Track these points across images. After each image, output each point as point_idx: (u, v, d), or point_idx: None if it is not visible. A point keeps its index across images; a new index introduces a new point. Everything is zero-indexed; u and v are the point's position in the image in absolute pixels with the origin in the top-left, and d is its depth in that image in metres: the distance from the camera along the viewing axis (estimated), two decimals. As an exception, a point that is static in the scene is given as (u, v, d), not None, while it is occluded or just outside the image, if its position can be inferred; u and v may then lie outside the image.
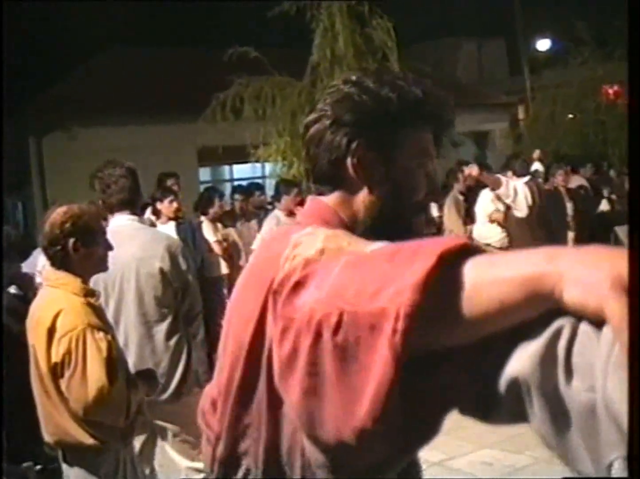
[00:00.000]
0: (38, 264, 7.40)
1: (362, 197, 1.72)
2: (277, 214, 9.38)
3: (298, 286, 1.28)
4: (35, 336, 3.60)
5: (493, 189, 9.52)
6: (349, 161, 1.69)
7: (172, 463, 4.90)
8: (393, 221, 1.72)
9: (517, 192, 9.26)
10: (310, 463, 1.47)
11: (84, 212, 3.69)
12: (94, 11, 19.63)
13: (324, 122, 1.72)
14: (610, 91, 17.08)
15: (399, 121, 1.70)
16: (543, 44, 26.94)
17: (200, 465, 4.74)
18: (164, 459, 4.84)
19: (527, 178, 9.70)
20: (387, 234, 1.44)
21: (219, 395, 1.68)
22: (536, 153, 14.16)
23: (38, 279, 7.42)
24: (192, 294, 4.81)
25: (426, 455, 4.69)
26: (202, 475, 4.75)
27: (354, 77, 1.75)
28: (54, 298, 3.61)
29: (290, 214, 9.35)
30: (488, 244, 9.58)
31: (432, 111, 1.74)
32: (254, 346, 1.54)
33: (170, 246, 4.68)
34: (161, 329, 4.59)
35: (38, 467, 3.25)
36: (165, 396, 4.42)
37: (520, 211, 9.30)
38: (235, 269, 9.42)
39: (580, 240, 10.03)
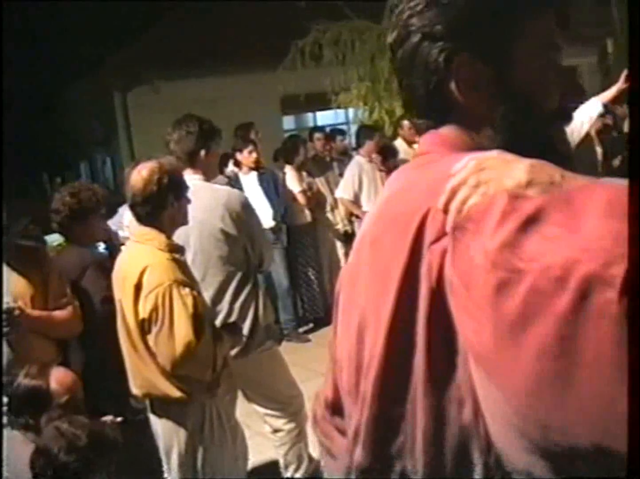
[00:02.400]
0: (124, 219, 7.53)
1: (482, 123, 1.33)
2: (359, 159, 9.32)
3: (526, 224, 1.00)
4: (122, 292, 3.66)
5: None
6: (452, 85, 1.31)
7: (253, 411, 4.95)
8: (529, 139, 1.31)
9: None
10: (502, 465, 1.12)
11: (174, 167, 3.70)
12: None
13: (411, 39, 1.33)
14: None
15: (511, 13, 1.30)
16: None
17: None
18: (245, 407, 4.88)
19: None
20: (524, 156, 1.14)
21: (344, 390, 1.42)
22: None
23: (125, 233, 7.57)
24: (260, 246, 4.69)
25: None
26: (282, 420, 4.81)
27: None
28: (140, 254, 3.66)
29: (371, 160, 9.29)
30: None
31: None
32: (400, 315, 1.21)
33: (230, 202, 4.52)
34: (231, 286, 4.51)
35: (119, 419, 3.30)
36: (233, 352, 4.33)
37: None
38: (320, 217, 9.44)
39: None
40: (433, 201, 1.17)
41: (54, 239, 5.59)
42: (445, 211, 1.13)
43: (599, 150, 9.64)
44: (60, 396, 3.28)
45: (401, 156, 9.60)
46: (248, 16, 17.36)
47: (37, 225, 4.69)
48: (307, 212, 9.17)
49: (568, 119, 1.46)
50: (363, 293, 1.36)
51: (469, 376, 1.11)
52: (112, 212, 7.01)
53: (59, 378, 3.38)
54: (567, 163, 1.16)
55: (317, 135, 10.32)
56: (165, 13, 18.39)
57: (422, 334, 1.17)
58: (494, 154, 1.16)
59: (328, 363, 1.61)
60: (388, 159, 9.52)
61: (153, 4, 18.26)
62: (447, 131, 1.37)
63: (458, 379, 1.14)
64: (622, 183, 0.99)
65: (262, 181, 8.56)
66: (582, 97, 8.53)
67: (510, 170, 1.08)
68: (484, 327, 1.01)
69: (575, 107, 8.37)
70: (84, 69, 18.31)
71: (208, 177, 4.66)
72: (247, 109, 13.89)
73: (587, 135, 8.60)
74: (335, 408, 1.55)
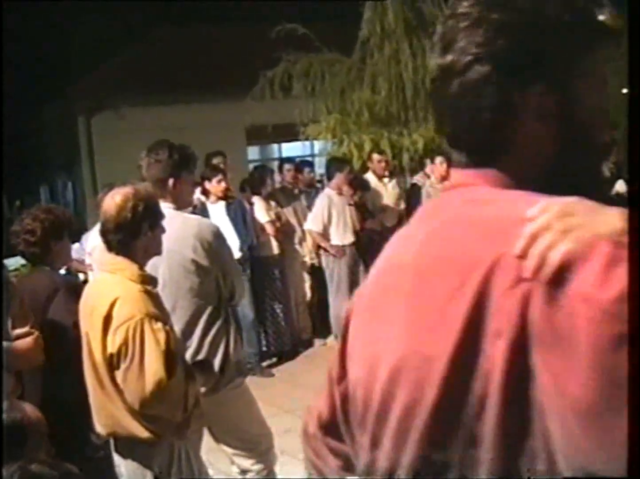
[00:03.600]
0: (87, 245, 7.33)
1: (535, 159, 1.23)
2: (329, 192, 9.24)
3: None
4: (89, 324, 3.48)
5: None
6: (520, 118, 1.20)
7: (217, 449, 4.76)
8: (581, 176, 1.25)
9: None
10: None
11: (149, 193, 3.54)
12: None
13: (475, 68, 1.20)
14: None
15: (579, 43, 1.22)
16: None
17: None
18: (207, 444, 4.68)
19: None
20: (568, 190, 1.11)
21: (355, 420, 1.39)
22: None
23: (87, 261, 7.37)
24: (232, 278, 4.52)
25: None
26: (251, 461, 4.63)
27: None
28: (110, 285, 3.48)
29: (341, 193, 9.20)
30: None
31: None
32: (461, 360, 1.12)
33: (201, 232, 4.36)
34: (201, 319, 4.33)
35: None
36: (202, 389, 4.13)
37: None
38: (287, 248, 9.31)
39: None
40: (503, 246, 1.09)
41: (11, 263, 5.40)
42: (524, 256, 1.05)
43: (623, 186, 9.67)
44: (33, 433, 3.07)
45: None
46: (217, 45, 17.34)
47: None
48: (274, 243, 9.03)
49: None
50: (397, 326, 1.26)
51: (544, 429, 1.05)
52: (73, 238, 6.80)
53: (30, 412, 3.17)
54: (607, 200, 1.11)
55: (287, 166, 10.23)
56: (133, 40, 18.29)
57: (496, 383, 1.08)
58: (575, 199, 1.10)
59: (326, 382, 1.57)
60: (358, 192, 9.45)
61: (121, 30, 18.16)
62: (496, 166, 1.25)
63: (532, 432, 1.07)
64: None
65: (230, 210, 8.43)
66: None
67: (601, 216, 1.04)
68: (594, 380, 0.97)
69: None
70: (49, 94, 18.12)
71: (179, 205, 4.47)
72: (212, 138, 13.76)
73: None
74: (330, 428, 1.54)
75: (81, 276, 7.68)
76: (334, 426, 1.52)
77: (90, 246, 7.30)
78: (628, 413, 0.89)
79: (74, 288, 4.55)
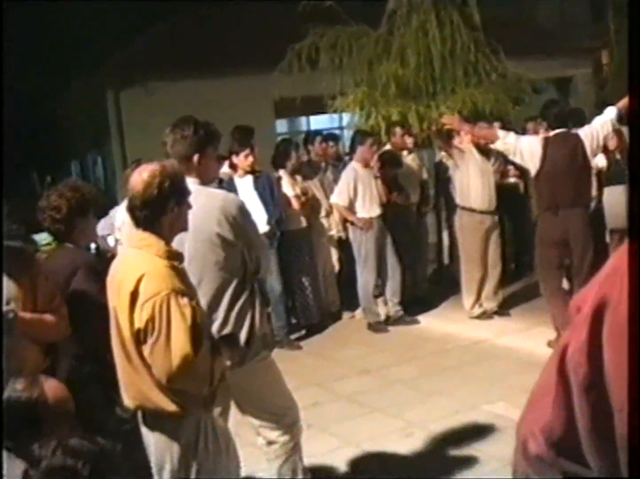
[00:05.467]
0: (116, 221, 7.40)
1: None
2: (354, 165, 9.23)
3: None
4: (117, 299, 3.52)
5: (491, 144, 8.38)
6: None
7: (244, 421, 4.80)
8: None
9: (517, 147, 7.89)
10: None
11: (176, 170, 3.56)
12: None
13: None
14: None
15: None
16: (628, -15, 25.89)
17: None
18: (234, 416, 4.73)
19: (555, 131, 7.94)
20: None
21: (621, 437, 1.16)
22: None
23: (117, 236, 7.44)
24: (257, 252, 4.55)
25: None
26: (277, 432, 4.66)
27: None
28: (137, 260, 3.52)
29: (367, 165, 9.18)
30: (472, 209, 9.16)
31: None
32: None
33: (226, 206, 4.37)
34: (227, 293, 4.36)
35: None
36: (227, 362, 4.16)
37: (529, 171, 8.21)
38: (314, 222, 9.33)
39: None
40: None
41: (43, 238, 5.45)
42: None
43: (604, 161, 9.48)
44: (56, 411, 3.12)
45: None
46: (244, 19, 17.28)
47: (25, 224, 4.56)
48: (302, 217, 9.06)
49: None
50: None
51: None
52: (102, 213, 6.88)
53: (52, 390, 3.22)
54: None
55: (318, 138, 10.21)
56: (161, 15, 18.28)
57: None
58: None
59: (542, 385, 1.31)
60: (388, 167, 9.42)
61: (149, 6, 18.16)
62: None
63: None
64: None
65: (257, 184, 8.46)
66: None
67: None
68: None
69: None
70: (78, 70, 18.18)
71: (204, 180, 4.50)
72: (240, 112, 13.77)
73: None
74: (566, 447, 1.28)
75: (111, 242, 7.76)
76: (572, 445, 1.26)
77: (119, 221, 7.39)
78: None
79: (95, 266, 4.61)
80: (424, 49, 11.43)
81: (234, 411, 4.66)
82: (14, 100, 19.26)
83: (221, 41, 16.82)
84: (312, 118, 18.30)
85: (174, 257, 3.53)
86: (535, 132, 9.67)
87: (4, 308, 3.82)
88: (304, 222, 9.10)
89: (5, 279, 3.96)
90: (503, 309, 9.30)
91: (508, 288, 9.91)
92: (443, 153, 10.34)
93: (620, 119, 8.24)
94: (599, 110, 8.59)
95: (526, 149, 7.79)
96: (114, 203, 8.52)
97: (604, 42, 23.30)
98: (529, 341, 7.96)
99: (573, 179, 7.67)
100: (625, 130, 10.23)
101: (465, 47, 11.44)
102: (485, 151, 9.08)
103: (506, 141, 7.94)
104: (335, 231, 9.67)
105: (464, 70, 11.55)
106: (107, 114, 16.94)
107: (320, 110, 13.31)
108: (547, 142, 7.78)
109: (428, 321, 9.32)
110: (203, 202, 4.17)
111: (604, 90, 20.39)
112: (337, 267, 9.84)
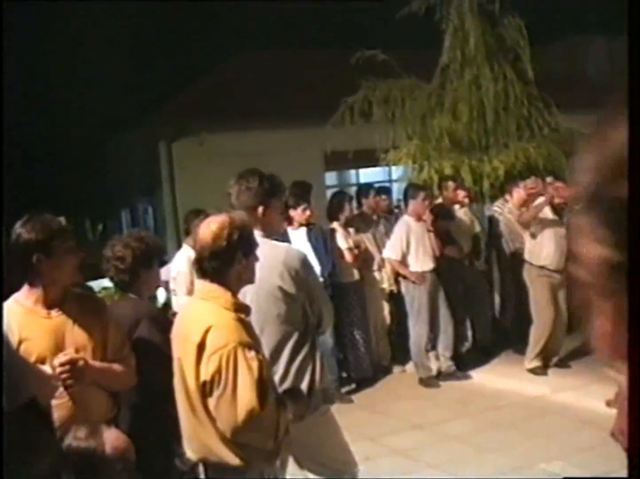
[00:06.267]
0: (171, 271, 7.44)
1: None
2: (407, 219, 9.20)
3: None
4: (182, 351, 3.52)
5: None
6: None
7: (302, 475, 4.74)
8: None
9: None
10: None
11: (244, 222, 3.57)
12: (223, 17, 19.88)
13: None
14: None
15: None
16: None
17: None
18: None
19: None
20: None
21: None
22: None
23: (171, 286, 7.48)
24: (320, 305, 4.54)
25: None
26: None
27: None
28: (204, 312, 3.52)
29: (419, 219, 9.15)
30: (542, 267, 8.95)
31: None
32: None
33: (289, 260, 4.39)
34: (287, 346, 4.36)
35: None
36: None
37: None
38: (367, 275, 9.30)
39: None
40: None
41: (98, 284, 5.49)
42: None
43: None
44: (114, 462, 3.10)
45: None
46: (297, 71, 17.47)
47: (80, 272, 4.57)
48: (354, 270, 9.04)
49: None
50: None
51: None
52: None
53: (112, 440, 3.20)
54: None
55: (371, 192, 10.22)
56: (214, 66, 18.57)
57: None
58: None
59: None
60: (440, 220, 9.38)
61: (202, 57, 18.47)
62: None
63: None
64: None
65: (311, 236, 8.47)
66: None
67: None
68: None
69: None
70: (132, 119, 18.48)
71: (267, 233, 4.52)
72: (291, 163, 13.89)
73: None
74: None
75: (161, 298, 7.79)
76: None
77: (175, 271, 7.43)
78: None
79: (158, 317, 4.62)
80: (477, 103, 11.47)
81: (291, 468, 4.61)
82: (66, 146, 19.62)
83: (274, 92, 17.01)
84: (362, 171, 18.37)
85: (241, 310, 3.53)
86: None
87: (70, 356, 3.81)
88: (356, 275, 9.08)
89: (75, 327, 3.97)
90: (563, 363, 9.14)
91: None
92: (495, 207, 10.30)
93: None
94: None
95: None
96: (164, 252, 8.57)
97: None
98: (586, 398, 7.80)
99: None
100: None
101: (519, 102, 11.47)
102: (558, 209, 8.96)
103: None
104: (387, 284, 9.62)
105: (517, 125, 11.56)
106: (159, 163, 17.15)
107: (370, 163, 13.36)
108: None
109: (481, 376, 9.19)
110: (266, 254, 4.15)
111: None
112: (388, 320, 9.78)
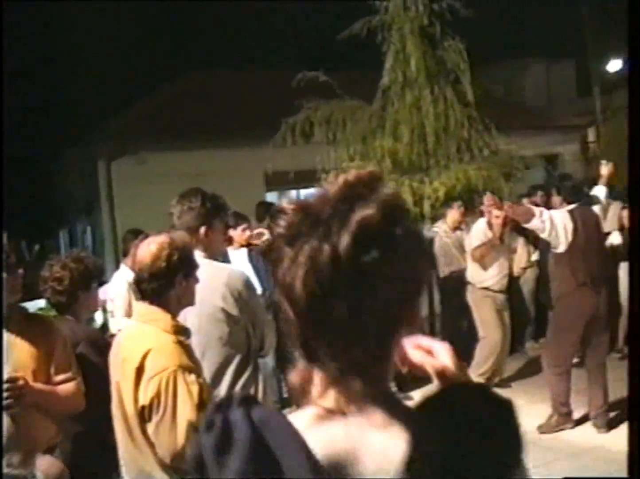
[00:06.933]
0: (109, 292, 7.30)
1: None
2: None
3: None
4: (121, 374, 3.42)
5: (525, 223, 7.97)
6: None
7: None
8: None
9: (553, 223, 7.54)
10: None
11: (185, 243, 3.50)
12: (165, 38, 19.81)
13: None
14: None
15: None
16: (614, 65, 26.39)
17: None
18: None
19: (574, 205, 7.81)
20: None
21: None
22: (604, 168, 9.59)
23: (109, 308, 7.34)
24: (262, 327, 4.48)
25: None
26: None
27: None
28: (143, 335, 3.43)
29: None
30: (486, 288, 9.03)
31: None
32: None
33: (232, 281, 4.33)
34: (230, 369, 4.29)
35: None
36: None
37: (556, 246, 7.68)
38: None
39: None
40: None
41: (34, 305, 5.35)
42: None
43: (619, 238, 9.57)
44: None
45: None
46: (238, 91, 17.44)
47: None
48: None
49: None
50: None
51: None
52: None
53: (46, 468, 3.11)
54: None
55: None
56: (154, 85, 18.46)
57: None
58: None
59: None
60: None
61: (142, 76, 18.36)
62: None
63: None
64: None
65: (251, 257, 8.40)
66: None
67: None
68: None
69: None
70: (70, 138, 18.27)
71: (209, 254, 4.45)
72: (231, 184, 13.83)
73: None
74: None
75: (99, 320, 7.66)
76: None
77: (113, 292, 7.30)
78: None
79: (95, 340, 4.52)
80: (418, 124, 11.55)
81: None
82: (6, 164, 19.28)
83: (214, 113, 16.95)
84: (303, 192, 18.38)
85: (181, 333, 3.45)
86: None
87: (8, 375, 3.67)
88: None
89: (18, 345, 3.83)
90: (504, 383, 9.20)
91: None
92: (435, 229, 10.35)
93: (610, 195, 8.35)
94: (587, 187, 8.66)
95: (560, 224, 7.56)
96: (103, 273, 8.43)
97: (589, 120, 23.74)
98: (526, 418, 7.81)
99: (600, 252, 7.67)
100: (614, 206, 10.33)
101: (459, 124, 11.57)
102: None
103: (543, 218, 7.55)
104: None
105: (457, 146, 11.66)
106: (98, 183, 16.94)
107: (312, 183, 13.36)
108: (573, 215, 7.61)
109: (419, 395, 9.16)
110: (208, 275, 4.08)
111: (591, 166, 20.65)
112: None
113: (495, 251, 8.91)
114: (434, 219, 10.77)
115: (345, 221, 1.23)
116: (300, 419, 1.28)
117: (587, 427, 7.61)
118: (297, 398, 1.29)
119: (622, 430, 7.13)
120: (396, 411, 1.27)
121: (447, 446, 1.17)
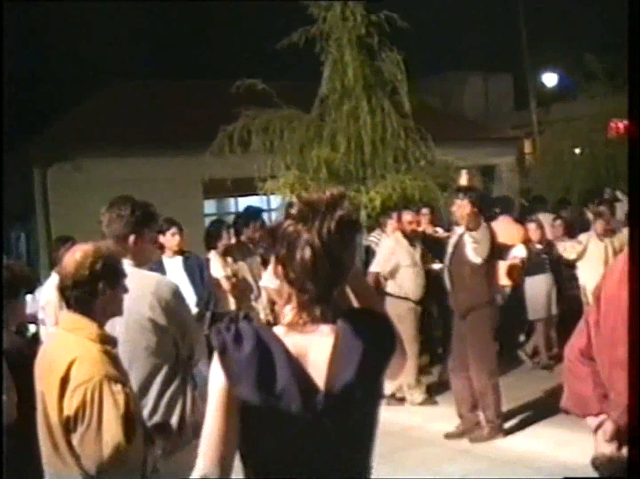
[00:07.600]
0: (41, 299, 7.17)
1: None
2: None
3: None
4: (45, 384, 3.37)
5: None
6: None
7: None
8: None
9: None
10: None
11: (111, 252, 3.46)
12: (101, 44, 19.62)
13: None
14: (620, 125, 16.70)
15: None
16: (550, 79, 26.86)
17: None
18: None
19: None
20: None
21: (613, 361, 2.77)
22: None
23: (40, 316, 7.20)
24: (191, 338, 4.42)
25: None
26: None
27: None
28: (68, 344, 3.37)
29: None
30: (406, 298, 9.11)
31: None
32: None
33: (160, 290, 4.26)
34: (157, 380, 4.22)
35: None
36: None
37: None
38: (244, 305, 9.20)
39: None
40: None
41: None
42: None
43: (523, 251, 9.72)
44: None
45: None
46: (176, 99, 17.36)
47: None
48: (230, 299, 8.93)
49: None
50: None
51: None
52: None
53: None
54: None
55: (254, 222, 10.11)
56: (91, 92, 18.27)
57: None
58: None
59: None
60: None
61: (79, 83, 18.17)
62: None
63: None
64: None
65: (186, 265, 8.33)
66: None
67: None
68: None
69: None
70: (5, 144, 17.96)
71: (138, 262, 4.39)
72: (169, 191, 13.75)
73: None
74: (591, 356, 2.99)
75: (31, 328, 7.53)
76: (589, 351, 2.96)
77: (44, 300, 7.16)
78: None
79: (22, 350, 4.43)
80: (355, 134, 11.61)
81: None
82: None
83: (151, 120, 16.84)
84: (240, 199, 18.34)
85: (108, 342, 3.41)
86: None
87: None
88: (232, 305, 8.97)
89: None
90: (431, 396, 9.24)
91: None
92: (371, 238, 10.40)
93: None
94: (523, 198, 8.84)
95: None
96: (38, 280, 8.30)
97: (526, 133, 24.13)
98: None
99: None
100: (545, 218, 10.53)
101: (396, 134, 11.66)
102: (410, 238, 9.14)
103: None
104: (263, 314, 9.54)
105: (394, 157, 11.75)
106: (33, 189, 16.70)
107: (250, 192, 13.33)
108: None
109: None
110: (136, 284, 4.01)
111: (526, 178, 20.97)
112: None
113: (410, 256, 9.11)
114: (370, 229, 10.81)
115: (333, 214, 2.16)
116: (278, 331, 2.23)
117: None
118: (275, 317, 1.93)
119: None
120: (331, 322, 2.20)
121: (356, 339, 2.19)
